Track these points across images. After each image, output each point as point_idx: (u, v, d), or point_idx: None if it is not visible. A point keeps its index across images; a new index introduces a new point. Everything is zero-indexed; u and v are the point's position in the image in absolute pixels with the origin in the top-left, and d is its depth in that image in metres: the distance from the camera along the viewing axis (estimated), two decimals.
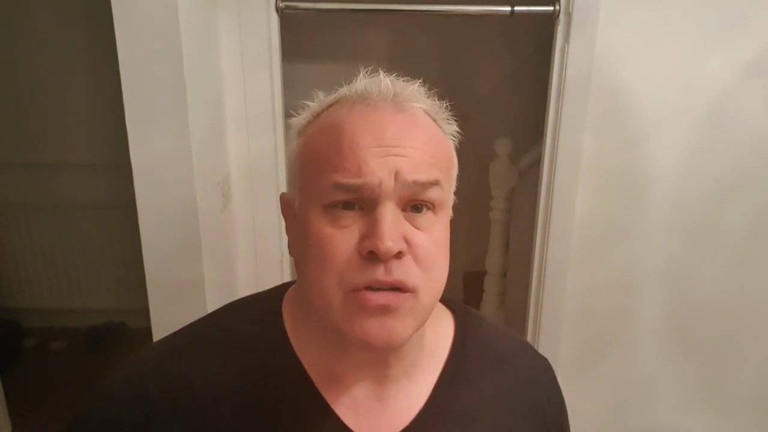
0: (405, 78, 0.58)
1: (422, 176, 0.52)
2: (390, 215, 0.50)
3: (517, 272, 2.15)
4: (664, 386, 1.71)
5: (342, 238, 0.51)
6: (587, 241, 1.57)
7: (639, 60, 1.42)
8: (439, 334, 0.65)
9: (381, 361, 0.59)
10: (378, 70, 0.57)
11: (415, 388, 0.61)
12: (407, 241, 0.51)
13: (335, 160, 0.52)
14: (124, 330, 2.88)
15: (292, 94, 1.63)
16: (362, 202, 0.52)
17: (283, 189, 1.62)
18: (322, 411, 0.58)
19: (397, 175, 0.51)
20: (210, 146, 1.35)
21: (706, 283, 1.60)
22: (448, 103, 0.60)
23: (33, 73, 2.57)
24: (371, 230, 0.50)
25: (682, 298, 1.62)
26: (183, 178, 1.21)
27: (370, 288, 0.51)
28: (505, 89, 2.94)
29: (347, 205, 0.52)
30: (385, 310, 0.51)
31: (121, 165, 1.34)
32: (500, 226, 2.25)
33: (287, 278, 1.59)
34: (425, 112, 0.57)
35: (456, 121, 0.60)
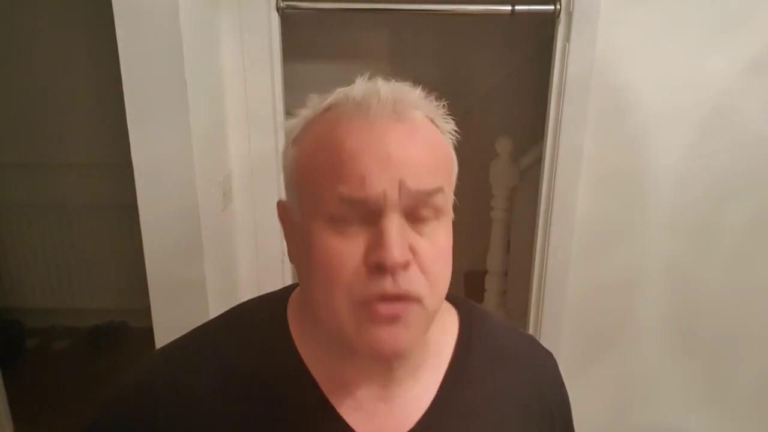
0: (402, 79, 0.57)
1: (426, 185, 0.51)
2: (396, 226, 0.50)
3: (518, 271, 2.15)
4: (666, 385, 1.71)
5: (348, 250, 0.51)
6: (588, 240, 1.57)
7: (640, 59, 1.42)
8: (443, 332, 0.65)
9: (385, 365, 0.59)
10: (376, 76, 0.56)
11: (421, 387, 0.61)
12: (412, 251, 0.51)
13: (337, 173, 0.51)
14: (125, 329, 2.88)
15: (293, 94, 1.63)
16: (367, 214, 0.51)
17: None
18: (328, 414, 0.58)
19: (401, 186, 0.50)
20: (211, 146, 1.35)
21: (707, 282, 1.60)
22: (448, 103, 0.59)
23: (34, 73, 2.58)
24: (377, 242, 0.50)
25: (683, 297, 1.62)
26: (184, 177, 1.21)
27: (378, 300, 0.51)
28: (506, 88, 2.94)
29: (351, 217, 0.51)
30: (394, 320, 0.51)
31: (122, 165, 1.34)
32: (501, 225, 2.25)
33: (288, 278, 1.59)
34: (425, 115, 0.56)
35: (455, 120, 0.59)
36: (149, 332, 1.29)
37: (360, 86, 0.55)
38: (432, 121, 0.56)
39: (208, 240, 1.29)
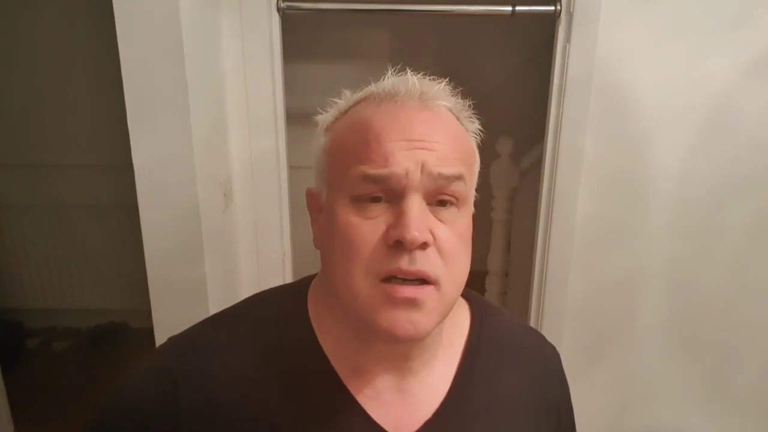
0: (430, 77, 0.60)
1: (447, 170, 0.53)
2: (417, 206, 0.52)
3: (519, 272, 2.15)
4: (666, 386, 1.71)
5: (369, 228, 0.53)
6: (589, 242, 1.56)
7: (640, 60, 1.42)
8: (455, 325, 0.66)
9: (402, 353, 0.59)
10: (405, 69, 0.59)
11: (435, 380, 0.62)
12: (432, 234, 0.53)
13: (363, 152, 0.53)
14: (126, 330, 2.88)
15: (294, 95, 1.63)
16: (389, 194, 0.53)
17: (285, 189, 1.62)
18: (347, 402, 0.59)
19: (423, 167, 0.52)
20: (212, 147, 1.35)
21: (707, 283, 1.60)
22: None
23: (34, 74, 2.58)
24: (398, 220, 0.51)
25: (683, 298, 1.62)
26: (185, 178, 1.21)
27: (395, 278, 0.52)
28: (507, 89, 2.94)
29: (374, 198, 0.53)
30: (412, 304, 0.52)
31: (123, 165, 1.34)
32: (502, 226, 2.25)
33: (289, 278, 1.59)
34: (449, 110, 0.59)
35: (479, 119, 0.62)
36: (150, 333, 1.29)
37: (390, 78, 0.59)
38: (457, 118, 0.59)
39: (208, 241, 1.29)
